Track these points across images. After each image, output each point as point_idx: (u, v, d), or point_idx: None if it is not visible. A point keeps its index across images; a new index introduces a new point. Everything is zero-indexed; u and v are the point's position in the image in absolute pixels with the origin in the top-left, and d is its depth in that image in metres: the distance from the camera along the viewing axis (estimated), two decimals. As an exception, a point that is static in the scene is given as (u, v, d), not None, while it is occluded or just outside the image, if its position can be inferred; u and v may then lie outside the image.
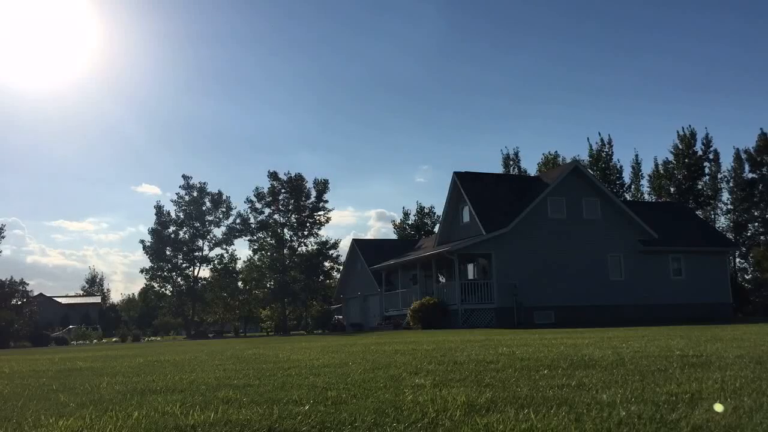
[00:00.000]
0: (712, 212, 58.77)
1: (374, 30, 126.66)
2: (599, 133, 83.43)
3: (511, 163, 63.15)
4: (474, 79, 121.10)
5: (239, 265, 59.16)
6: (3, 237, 54.52)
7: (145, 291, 59.18)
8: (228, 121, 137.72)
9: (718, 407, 5.26)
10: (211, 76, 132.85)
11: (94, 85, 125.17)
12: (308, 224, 53.73)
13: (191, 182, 57.09)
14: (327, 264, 54.41)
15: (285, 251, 53.77)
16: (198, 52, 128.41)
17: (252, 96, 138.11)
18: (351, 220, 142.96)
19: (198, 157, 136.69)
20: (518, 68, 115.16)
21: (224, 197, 57.61)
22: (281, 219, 54.00)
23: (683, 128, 58.54)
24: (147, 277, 56.44)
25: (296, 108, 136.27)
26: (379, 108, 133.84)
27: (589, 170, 48.35)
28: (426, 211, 72.03)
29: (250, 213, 54.30)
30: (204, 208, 56.98)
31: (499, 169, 62.04)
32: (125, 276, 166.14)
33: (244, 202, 62.54)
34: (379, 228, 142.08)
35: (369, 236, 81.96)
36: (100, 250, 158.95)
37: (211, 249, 57.48)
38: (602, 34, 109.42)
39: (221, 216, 57.53)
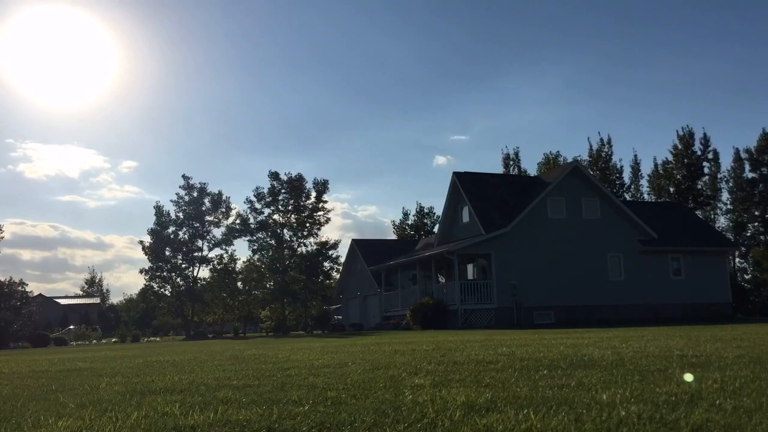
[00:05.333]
0: (711, 212, 58.84)
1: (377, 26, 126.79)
2: (599, 133, 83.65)
3: (511, 163, 63.21)
4: (473, 76, 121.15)
5: (239, 265, 59.22)
6: (2, 237, 54.43)
7: (145, 291, 59.04)
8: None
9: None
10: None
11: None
12: (308, 224, 53.73)
13: (191, 182, 57.10)
14: (327, 264, 54.39)
15: (285, 251, 53.76)
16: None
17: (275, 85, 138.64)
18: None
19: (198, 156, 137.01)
20: (518, 67, 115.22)
21: (224, 197, 57.66)
22: (281, 219, 54.01)
23: (681, 128, 58.70)
24: (146, 277, 56.44)
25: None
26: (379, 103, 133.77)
27: (589, 170, 48.40)
28: (426, 211, 72.11)
29: (250, 213, 54.33)
30: (203, 208, 56.94)
31: (499, 169, 62.14)
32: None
33: (244, 202, 62.62)
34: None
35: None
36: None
37: (210, 249, 57.50)
38: (601, 34, 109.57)
39: (221, 216, 57.52)
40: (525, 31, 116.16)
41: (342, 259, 53.12)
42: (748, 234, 57.39)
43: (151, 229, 56.44)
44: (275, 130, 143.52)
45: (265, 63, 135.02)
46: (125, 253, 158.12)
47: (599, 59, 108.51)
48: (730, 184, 58.38)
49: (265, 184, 56.55)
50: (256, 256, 55.53)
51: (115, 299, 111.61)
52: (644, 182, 60.04)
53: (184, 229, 57.00)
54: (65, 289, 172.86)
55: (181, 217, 56.91)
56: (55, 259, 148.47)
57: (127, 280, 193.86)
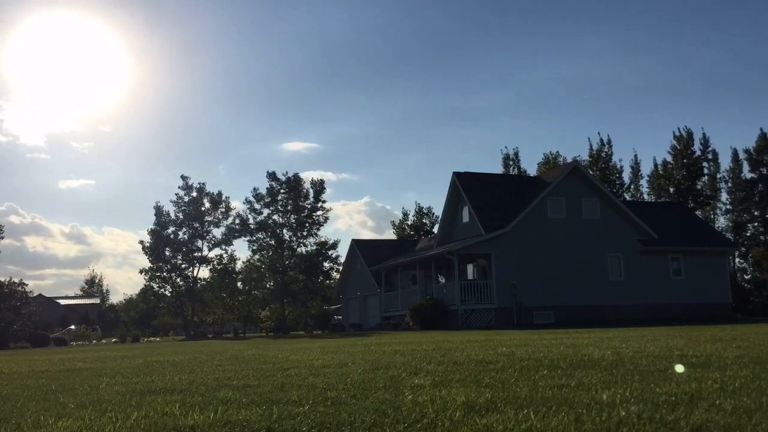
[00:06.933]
0: (711, 212, 58.89)
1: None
2: (599, 133, 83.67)
3: (511, 163, 63.21)
4: (472, 76, 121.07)
5: (239, 265, 59.26)
6: (2, 237, 54.48)
7: (145, 291, 59.09)
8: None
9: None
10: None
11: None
12: (307, 224, 53.78)
13: (190, 183, 57.14)
14: (326, 264, 54.42)
15: (284, 251, 53.79)
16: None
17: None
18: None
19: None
20: (518, 67, 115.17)
21: (223, 197, 57.75)
22: (280, 219, 54.08)
23: (679, 129, 58.81)
24: (146, 277, 56.48)
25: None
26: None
27: (589, 170, 48.40)
28: (425, 211, 72.14)
29: (249, 213, 54.39)
30: (203, 208, 56.98)
31: (498, 169, 62.13)
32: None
33: (243, 202, 62.71)
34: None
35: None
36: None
37: (210, 249, 57.54)
38: (600, 34, 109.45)
39: (220, 216, 57.58)
40: (525, 25, 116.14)
41: (342, 259, 53.19)
42: (748, 234, 57.44)
43: (151, 229, 56.57)
44: (281, 89, 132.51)
45: (259, 13, 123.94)
46: (108, 247, 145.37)
47: (597, 58, 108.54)
48: (729, 185, 58.49)
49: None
50: (256, 257, 55.60)
51: (114, 299, 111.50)
52: (644, 182, 60.21)
53: (184, 229, 57.06)
54: (46, 286, 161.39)
55: (181, 217, 56.97)
56: (26, 252, 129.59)
57: (114, 278, 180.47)
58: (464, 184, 34.68)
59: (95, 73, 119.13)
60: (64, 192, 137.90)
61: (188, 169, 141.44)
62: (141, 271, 56.50)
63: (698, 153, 57.59)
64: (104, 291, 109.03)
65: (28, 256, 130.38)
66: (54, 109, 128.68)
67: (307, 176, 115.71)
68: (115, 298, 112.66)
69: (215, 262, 57.24)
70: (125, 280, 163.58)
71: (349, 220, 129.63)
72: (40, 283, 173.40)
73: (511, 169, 62.49)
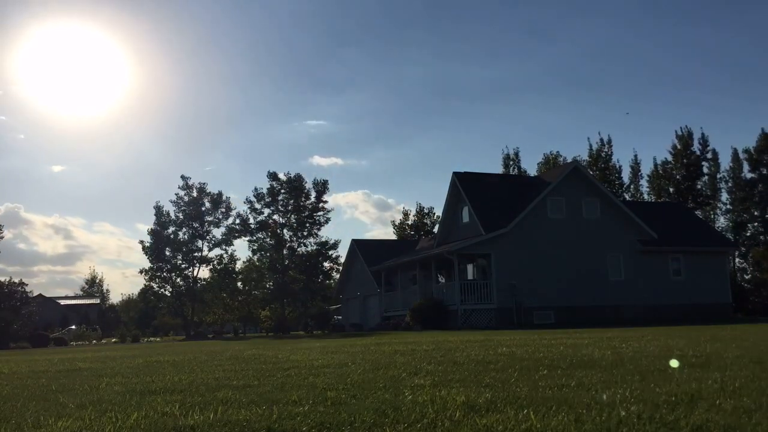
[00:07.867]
0: (711, 212, 58.93)
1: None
2: (599, 133, 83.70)
3: (511, 163, 63.26)
4: (473, 77, 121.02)
5: (239, 265, 59.29)
6: (2, 237, 54.54)
7: (144, 291, 59.14)
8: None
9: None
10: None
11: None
12: (308, 225, 53.80)
13: (190, 182, 57.21)
14: (327, 264, 54.45)
15: (284, 251, 53.82)
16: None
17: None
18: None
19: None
20: (516, 68, 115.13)
21: (224, 198, 57.82)
22: (281, 219, 54.12)
23: (680, 128, 58.90)
24: (146, 277, 56.52)
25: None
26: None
27: (589, 170, 48.42)
28: (426, 211, 72.19)
29: (250, 213, 54.39)
30: (203, 208, 57.02)
31: (498, 169, 62.16)
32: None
33: (244, 202, 62.80)
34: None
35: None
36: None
37: (210, 249, 57.58)
38: (600, 33, 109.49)
39: (220, 216, 57.62)
40: (524, 26, 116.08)
41: (342, 259, 53.22)
42: (748, 234, 57.46)
43: (151, 229, 56.63)
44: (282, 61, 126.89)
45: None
46: (98, 242, 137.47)
47: (598, 58, 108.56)
48: (730, 185, 58.54)
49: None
50: (256, 257, 55.63)
51: (115, 299, 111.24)
52: (644, 182, 60.28)
53: (184, 229, 57.10)
54: (39, 284, 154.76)
55: (181, 217, 57.01)
56: (9, 247, 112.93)
57: (107, 276, 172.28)
58: (464, 184, 34.69)
59: (81, 47, 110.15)
60: (44, 178, 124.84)
61: (185, 157, 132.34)
62: (141, 271, 56.62)
63: (698, 153, 57.67)
64: (104, 291, 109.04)
65: (14, 252, 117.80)
66: (33, 87, 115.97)
67: (313, 162, 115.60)
68: (111, 297, 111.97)
69: (215, 262, 57.30)
70: (120, 278, 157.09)
71: (353, 212, 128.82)
72: (32, 281, 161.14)
73: (511, 169, 62.55)
